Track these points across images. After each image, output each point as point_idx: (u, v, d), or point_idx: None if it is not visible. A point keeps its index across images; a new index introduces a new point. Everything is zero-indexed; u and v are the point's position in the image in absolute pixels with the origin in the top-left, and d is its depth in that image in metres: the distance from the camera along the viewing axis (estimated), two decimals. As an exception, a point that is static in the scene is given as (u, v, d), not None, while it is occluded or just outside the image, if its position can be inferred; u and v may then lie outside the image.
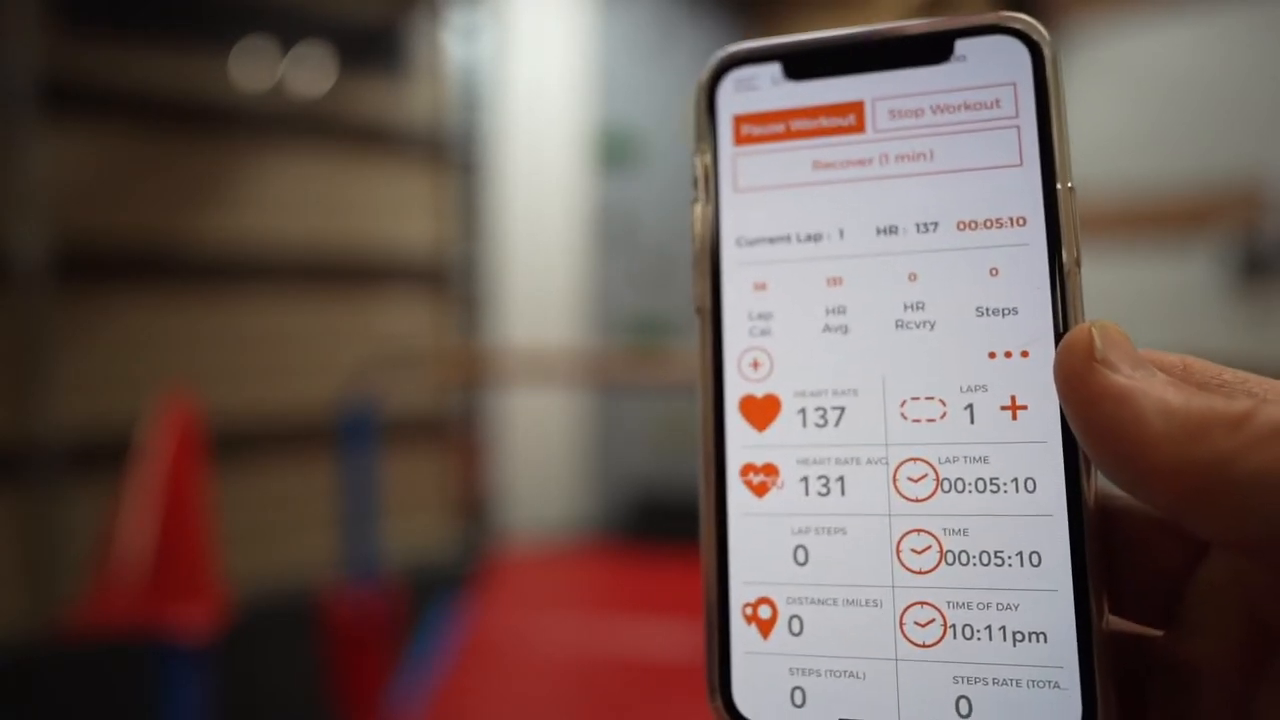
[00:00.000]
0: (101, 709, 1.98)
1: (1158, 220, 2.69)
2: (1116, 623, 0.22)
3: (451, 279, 3.13)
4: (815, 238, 0.24)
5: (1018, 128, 0.23)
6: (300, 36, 2.75)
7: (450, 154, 3.10)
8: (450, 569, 2.77)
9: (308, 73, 2.78)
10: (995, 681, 0.21)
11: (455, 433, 3.18)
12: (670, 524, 3.04)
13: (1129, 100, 2.73)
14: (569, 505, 3.27)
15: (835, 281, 0.24)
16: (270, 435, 2.68)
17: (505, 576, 2.65)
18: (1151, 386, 0.18)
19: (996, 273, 0.22)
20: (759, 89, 0.25)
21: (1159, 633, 0.21)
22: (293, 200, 2.74)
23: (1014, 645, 0.21)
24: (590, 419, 3.29)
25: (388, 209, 2.95)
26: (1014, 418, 0.22)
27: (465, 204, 3.17)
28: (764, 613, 0.23)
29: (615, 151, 3.28)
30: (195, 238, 2.58)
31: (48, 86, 2.29)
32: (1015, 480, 0.22)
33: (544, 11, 3.17)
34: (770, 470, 0.23)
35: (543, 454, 3.23)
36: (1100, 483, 0.21)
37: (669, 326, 3.35)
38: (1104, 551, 0.21)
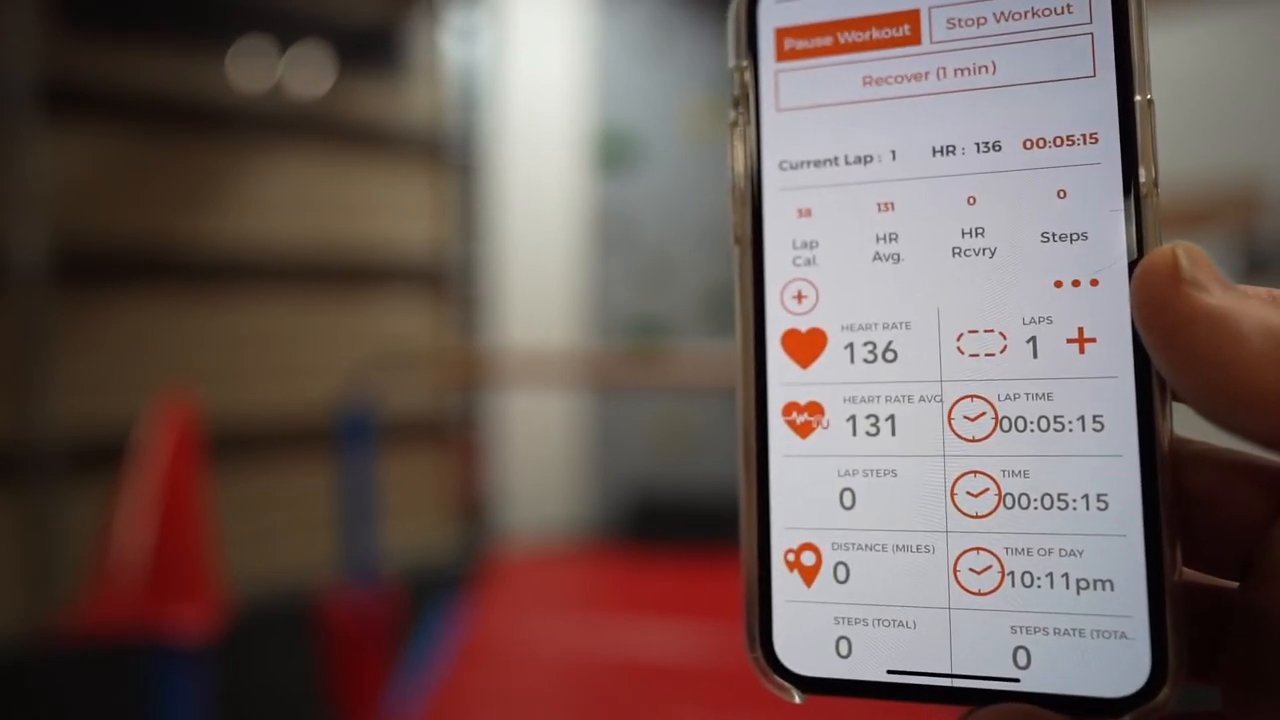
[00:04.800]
0: (99, 710, 1.98)
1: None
2: (1187, 574, 0.20)
3: (450, 280, 3.13)
4: (865, 160, 0.22)
5: (1091, 35, 0.21)
6: (299, 37, 2.75)
7: (449, 155, 3.10)
8: (449, 570, 2.77)
9: (306, 73, 2.78)
10: (1056, 631, 0.20)
11: (454, 434, 3.18)
12: (669, 525, 3.05)
13: (1128, 101, 2.72)
14: (568, 506, 3.27)
15: (887, 206, 0.22)
16: (269, 436, 2.68)
17: (504, 577, 2.65)
18: (1249, 306, 0.17)
19: (1064, 195, 0.21)
20: None
21: (1233, 584, 0.20)
22: (291, 201, 2.74)
23: (1077, 593, 0.20)
24: (589, 420, 3.29)
25: (386, 210, 2.95)
26: (1081, 351, 0.20)
27: (464, 205, 3.17)
28: (807, 559, 0.22)
29: (614, 152, 3.28)
30: (194, 238, 2.58)
31: (48, 87, 2.29)
32: (1081, 418, 0.20)
33: (542, 12, 3.17)
34: (815, 409, 0.22)
35: (542, 455, 3.23)
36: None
37: (668, 328, 3.35)
38: (1177, 495, 0.20)
